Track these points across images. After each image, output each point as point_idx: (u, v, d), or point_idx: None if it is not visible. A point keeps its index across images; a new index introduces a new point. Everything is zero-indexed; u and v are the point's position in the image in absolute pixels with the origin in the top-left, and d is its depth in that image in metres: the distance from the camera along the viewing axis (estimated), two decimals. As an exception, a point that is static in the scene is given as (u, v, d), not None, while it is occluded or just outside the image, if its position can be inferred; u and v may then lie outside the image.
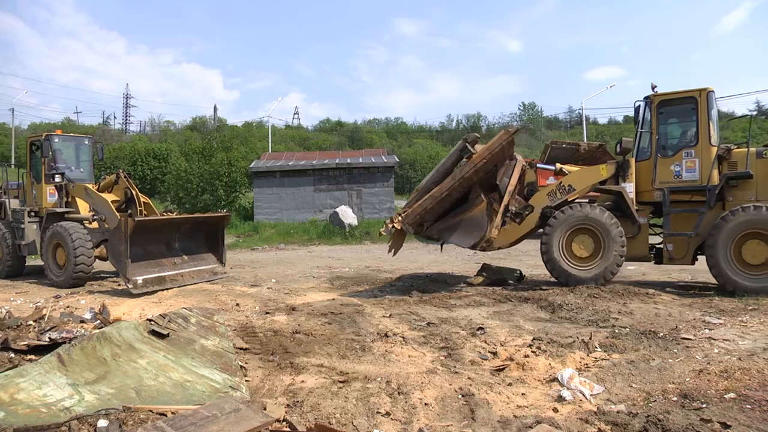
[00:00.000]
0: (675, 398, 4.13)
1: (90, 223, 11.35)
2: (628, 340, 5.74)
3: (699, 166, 8.60)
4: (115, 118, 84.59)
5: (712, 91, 8.67)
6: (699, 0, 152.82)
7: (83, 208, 11.78)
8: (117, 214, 10.83)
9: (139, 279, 9.64)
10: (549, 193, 9.52)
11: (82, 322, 6.70)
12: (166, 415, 3.59)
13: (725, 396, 4.07)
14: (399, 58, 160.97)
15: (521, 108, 77.21)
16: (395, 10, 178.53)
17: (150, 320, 5.22)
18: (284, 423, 3.76)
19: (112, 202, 11.18)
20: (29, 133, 54.36)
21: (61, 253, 10.82)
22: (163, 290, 9.73)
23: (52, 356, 4.34)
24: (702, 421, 3.62)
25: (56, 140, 12.19)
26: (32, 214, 11.95)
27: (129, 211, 11.43)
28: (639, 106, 9.19)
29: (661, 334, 5.91)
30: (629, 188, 9.07)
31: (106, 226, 10.94)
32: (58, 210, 11.56)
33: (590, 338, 5.75)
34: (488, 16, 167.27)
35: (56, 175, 11.66)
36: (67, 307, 8.38)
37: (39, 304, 8.49)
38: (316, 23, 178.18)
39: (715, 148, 8.59)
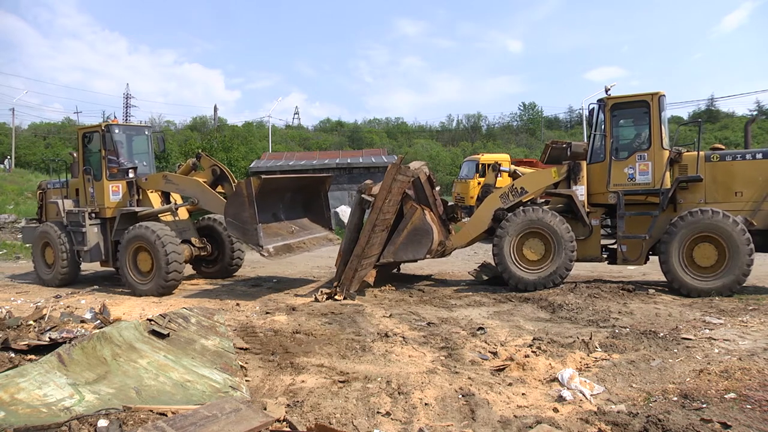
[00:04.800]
0: (675, 398, 4.13)
1: (173, 215, 10.45)
2: (629, 340, 5.74)
3: (652, 169, 8.68)
4: (115, 118, 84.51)
5: (664, 95, 8.77)
6: (699, 0, 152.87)
7: (156, 203, 10.74)
8: (213, 192, 9.95)
9: (270, 247, 8.83)
10: (501, 195, 9.59)
11: (83, 322, 6.70)
12: (166, 415, 3.59)
13: (725, 396, 4.07)
14: (400, 58, 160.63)
15: (521, 108, 77.13)
16: (396, 10, 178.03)
17: (150, 320, 5.22)
18: (284, 423, 3.76)
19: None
20: (29, 132, 54.44)
21: (145, 258, 9.67)
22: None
23: (53, 356, 4.34)
24: (702, 421, 3.62)
25: (116, 131, 10.70)
26: (92, 215, 10.58)
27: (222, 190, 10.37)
28: (593, 108, 9.26)
29: (662, 334, 5.91)
30: (580, 191, 9.14)
31: (176, 218, 10.22)
32: (136, 209, 10.32)
33: (590, 338, 5.75)
34: (489, 16, 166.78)
35: (129, 170, 10.40)
36: (67, 307, 8.39)
37: (39, 304, 8.49)
38: (317, 24, 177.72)
39: (667, 152, 8.68)
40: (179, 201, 10.76)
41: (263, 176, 9.02)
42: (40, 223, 11.68)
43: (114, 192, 10.54)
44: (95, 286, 10.77)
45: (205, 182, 10.15)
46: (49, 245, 10.93)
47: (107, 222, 10.64)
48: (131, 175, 10.43)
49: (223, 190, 10.25)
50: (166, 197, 11.05)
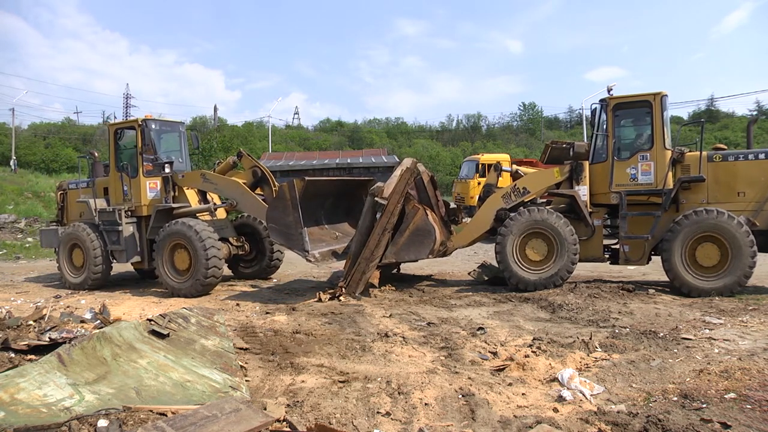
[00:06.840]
0: (675, 398, 4.13)
1: (211, 215, 10.09)
2: (629, 340, 5.74)
3: (654, 169, 8.68)
4: (115, 118, 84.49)
5: (666, 95, 8.77)
6: (699, 0, 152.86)
7: (193, 201, 10.34)
8: (254, 194, 9.62)
9: (316, 252, 8.56)
10: (503, 195, 9.58)
11: (82, 322, 6.70)
12: (166, 415, 3.59)
13: (725, 396, 4.07)
14: (400, 58, 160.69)
15: (521, 108, 77.28)
16: (397, 10, 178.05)
17: (150, 320, 5.22)
18: (284, 423, 3.76)
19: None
20: (29, 132, 54.39)
21: (182, 256, 9.32)
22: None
23: (53, 356, 4.34)
24: (702, 421, 3.62)
25: (154, 126, 10.24)
26: (128, 213, 10.16)
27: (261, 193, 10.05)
28: (595, 108, 9.27)
29: (662, 334, 5.92)
30: (582, 191, 9.13)
31: (213, 216, 9.91)
32: (174, 205, 9.93)
33: (590, 338, 5.75)
34: (490, 17, 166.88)
35: (166, 165, 9.99)
36: (67, 307, 8.39)
37: (39, 304, 8.50)
38: (317, 24, 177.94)
39: (670, 152, 8.67)
40: (217, 200, 10.48)
41: (307, 178, 8.75)
42: (61, 225, 11.28)
43: (151, 189, 10.10)
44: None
45: (244, 183, 9.83)
46: (77, 247, 10.40)
47: (142, 220, 10.26)
48: (167, 170, 10.02)
49: (262, 193, 9.98)
50: (202, 195, 10.66)
